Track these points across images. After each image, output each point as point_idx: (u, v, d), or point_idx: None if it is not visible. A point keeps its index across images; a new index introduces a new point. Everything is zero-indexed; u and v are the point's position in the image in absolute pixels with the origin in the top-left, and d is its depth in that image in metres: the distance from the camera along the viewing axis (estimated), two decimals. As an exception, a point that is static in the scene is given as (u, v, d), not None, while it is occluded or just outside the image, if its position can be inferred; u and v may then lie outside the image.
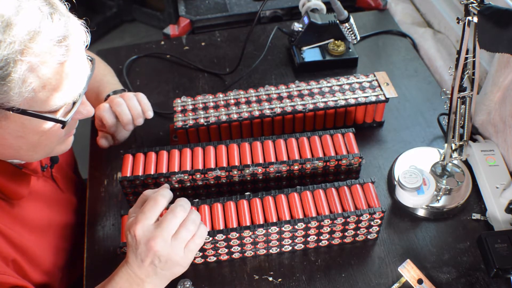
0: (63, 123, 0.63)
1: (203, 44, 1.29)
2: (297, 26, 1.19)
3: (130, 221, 0.68)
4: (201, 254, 0.80)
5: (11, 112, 0.57)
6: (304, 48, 1.19)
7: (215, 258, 0.82)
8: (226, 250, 0.80)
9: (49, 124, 0.62)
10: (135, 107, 0.89)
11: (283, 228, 0.77)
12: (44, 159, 0.82)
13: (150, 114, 0.91)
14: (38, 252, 0.79)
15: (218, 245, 0.78)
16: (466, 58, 0.73)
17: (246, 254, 0.83)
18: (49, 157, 0.84)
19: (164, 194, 0.69)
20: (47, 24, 0.57)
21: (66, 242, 0.89)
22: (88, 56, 0.66)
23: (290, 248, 0.83)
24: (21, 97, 0.56)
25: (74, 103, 0.64)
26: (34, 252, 0.78)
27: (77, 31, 0.61)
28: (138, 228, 0.66)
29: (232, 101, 0.98)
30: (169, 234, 0.66)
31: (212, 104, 0.97)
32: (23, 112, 0.58)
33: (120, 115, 0.88)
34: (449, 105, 0.79)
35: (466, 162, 0.95)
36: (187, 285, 0.78)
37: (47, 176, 0.85)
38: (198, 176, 0.85)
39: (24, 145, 0.64)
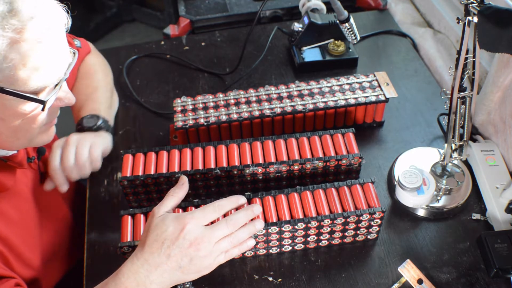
0: (43, 103, 0.63)
1: (203, 44, 1.29)
2: (297, 26, 1.19)
3: (181, 214, 0.68)
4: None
5: None
6: (304, 48, 1.19)
7: (215, 258, 0.82)
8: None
9: (30, 105, 0.62)
10: (82, 173, 0.88)
11: (283, 228, 0.77)
12: (30, 151, 0.82)
13: (97, 166, 0.90)
14: (24, 245, 0.78)
15: (218, 245, 0.78)
16: (466, 58, 0.73)
17: (246, 254, 0.83)
18: (36, 149, 0.85)
19: (225, 205, 0.71)
20: (27, 2, 0.58)
21: (57, 237, 0.89)
22: (71, 48, 0.68)
23: (290, 248, 0.83)
24: (1, 74, 0.57)
25: (55, 87, 0.65)
26: (19, 245, 0.77)
27: (57, 13, 0.63)
28: (192, 222, 0.67)
29: (232, 101, 0.98)
30: (215, 239, 0.67)
31: (212, 104, 0.97)
32: (3, 90, 0.58)
33: (66, 176, 0.87)
34: (449, 105, 0.79)
35: (466, 162, 0.95)
36: (187, 285, 0.78)
37: (35, 168, 0.85)
38: (198, 176, 0.85)
39: (5, 129, 0.64)
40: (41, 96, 0.62)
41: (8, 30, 0.56)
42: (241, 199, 0.75)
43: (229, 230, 0.69)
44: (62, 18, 0.64)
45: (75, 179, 0.88)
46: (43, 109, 0.64)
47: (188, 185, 0.74)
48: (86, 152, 0.88)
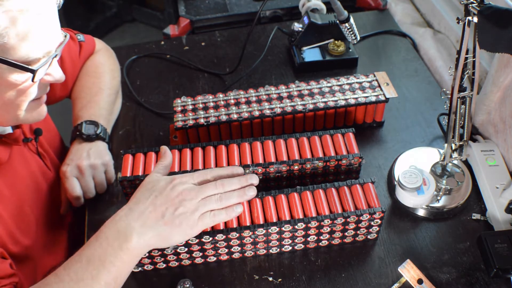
0: (33, 72, 0.64)
1: (203, 44, 1.29)
2: (297, 26, 1.19)
3: (174, 176, 0.70)
4: (201, 254, 0.80)
5: None
6: (304, 48, 1.19)
7: (215, 258, 0.82)
8: (226, 250, 0.80)
9: (21, 75, 0.64)
10: (100, 190, 0.93)
11: (283, 228, 0.77)
12: (27, 131, 0.83)
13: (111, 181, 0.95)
14: (15, 224, 0.78)
15: (218, 245, 0.78)
16: (466, 58, 0.73)
17: (246, 254, 0.83)
18: (33, 130, 0.86)
19: (218, 170, 0.73)
20: None
21: (53, 223, 0.89)
22: (63, 31, 0.70)
23: (290, 248, 0.83)
24: None
25: (45, 61, 0.66)
26: (10, 223, 0.77)
27: None
28: (186, 179, 0.70)
29: (232, 101, 0.98)
30: (202, 195, 0.68)
31: (212, 104, 0.97)
32: None
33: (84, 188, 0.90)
34: (449, 105, 0.79)
35: (466, 162, 0.95)
36: (187, 285, 0.78)
37: (33, 150, 0.86)
38: (198, 176, 0.85)
39: None
40: (31, 67, 0.64)
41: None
42: (238, 169, 0.74)
43: (217, 191, 0.69)
44: None
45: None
46: (33, 79, 0.65)
47: (171, 154, 0.77)
48: (103, 176, 0.93)
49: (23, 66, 0.63)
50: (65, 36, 0.70)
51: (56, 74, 0.71)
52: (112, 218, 0.67)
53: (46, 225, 0.88)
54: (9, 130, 0.78)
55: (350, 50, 1.18)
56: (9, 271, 0.71)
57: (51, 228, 0.89)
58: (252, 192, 0.71)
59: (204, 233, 0.76)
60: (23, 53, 0.62)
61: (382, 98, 0.98)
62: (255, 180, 0.73)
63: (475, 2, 0.65)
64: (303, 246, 0.83)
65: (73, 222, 0.98)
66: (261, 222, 0.77)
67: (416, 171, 0.86)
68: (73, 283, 0.62)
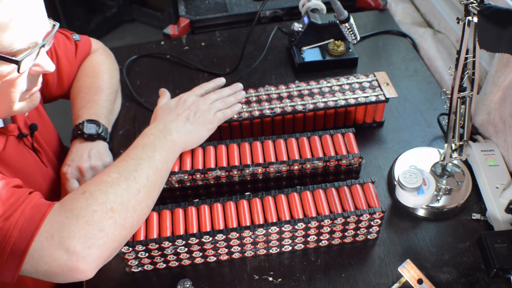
0: (17, 63, 0.64)
1: (203, 44, 1.29)
2: (297, 26, 1.19)
3: (179, 95, 0.88)
4: (201, 254, 0.80)
5: None
6: (304, 48, 1.19)
7: (215, 258, 0.82)
8: (226, 250, 0.80)
9: (5, 67, 0.64)
10: None
11: (283, 228, 0.77)
12: (22, 126, 0.83)
13: None
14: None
15: (218, 245, 0.78)
16: (466, 58, 0.73)
17: (246, 254, 0.83)
18: (28, 126, 0.86)
19: (207, 83, 0.92)
20: None
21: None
22: (51, 20, 0.70)
23: (290, 248, 0.83)
24: None
25: (31, 52, 0.66)
26: None
27: None
28: (190, 94, 0.88)
29: (232, 101, 0.97)
30: (209, 100, 0.87)
31: (212, 104, 0.97)
32: None
33: None
34: (449, 105, 0.80)
35: (466, 162, 0.95)
36: (187, 285, 0.78)
37: (29, 146, 0.86)
38: (198, 176, 0.85)
39: None
40: (15, 58, 0.64)
41: None
42: (221, 79, 0.94)
43: (219, 97, 0.89)
44: None
45: None
46: (18, 70, 0.65)
47: (168, 92, 0.93)
48: None
49: (5, 57, 0.62)
50: (53, 25, 0.70)
51: (45, 65, 0.70)
52: (149, 126, 0.83)
53: None
54: (0, 124, 0.78)
55: (350, 50, 1.18)
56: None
57: None
58: (242, 94, 0.93)
59: (204, 233, 0.76)
60: (6, 44, 0.61)
61: (382, 98, 0.98)
62: (240, 85, 0.94)
63: (475, 2, 0.65)
64: (303, 246, 0.83)
65: None
66: (261, 222, 0.77)
67: (416, 171, 0.86)
68: (135, 160, 0.74)
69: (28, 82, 0.70)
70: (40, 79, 0.74)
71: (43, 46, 0.67)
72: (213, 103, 0.87)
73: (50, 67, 0.72)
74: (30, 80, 0.71)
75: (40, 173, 0.88)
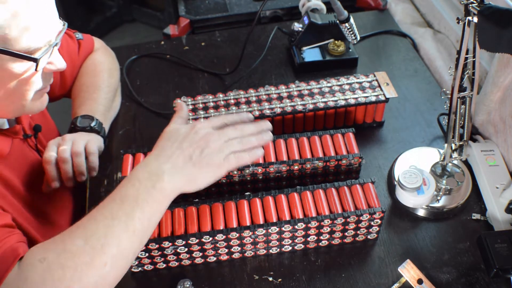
0: (36, 61, 0.66)
1: (203, 44, 1.29)
2: (297, 26, 1.19)
3: (193, 122, 0.73)
4: (201, 254, 0.80)
5: None
6: (304, 48, 1.19)
7: (215, 258, 0.82)
8: (226, 250, 0.80)
9: (23, 65, 0.65)
10: (79, 166, 0.86)
11: (283, 228, 0.77)
12: (27, 128, 0.83)
13: (93, 174, 0.89)
14: (18, 220, 0.78)
15: (218, 245, 0.78)
16: (466, 58, 0.73)
17: (246, 254, 0.83)
18: (32, 127, 0.86)
19: (232, 116, 0.75)
20: None
21: (51, 217, 0.89)
22: (61, 19, 0.71)
23: (290, 248, 0.83)
24: None
25: (46, 50, 0.67)
26: (15, 219, 0.76)
27: None
28: (205, 124, 0.72)
29: (232, 101, 0.98)
30: (225, 137, 0.71)
31: (212, 104, 0.97)
32: None
33: (62, 171, 0.85)
34: (449, 105, 0.79)
35: (466, 162, 0.95)
36: (187, 285, 0.78)
37: (32, 147, 0.86)
38: (198, 176, 0.84)
39: (0, 91, 0.67)
40: (34, 56, 0.65)
41: None
42: (248, 115, 0.78)
43: (237, 134, 0.72)
44: None
45: (70, 175, 0.86)
46: (36, 68, 0.66)
47: (186, 107, 0.78)
48: (81, 146, 0.88)
49: (25, 56, 0.64)
50: (63, 24, 0.71)
51: (58, 62, 0.72)
52: (141, 164, 0.68)
53: (44, 219, 0.87)
54: (6, 125, 0.78)
55: (350, 50, 1.18)
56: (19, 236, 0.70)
57: (48, 223, 0.89)
58: (268, 136, 0.74)
59: (204, 233, 0.76)
60: (25, 44, 0.64)
61: (382, 98, 0.98)
62: (269, 126, 0.76)
63: (475, 2, 0.65)
64: (303, 246, 0.83)
65: (73, 219, 0.97)
66: (261, 222, 0.77)
67: (416, 171, 0.86)
68: (107, 221, 0.62)
69: (42, 80, 0.71)
70: (52, 78, 0.76)
71: (56, 44, 0.69)
72: (229, 141, 0.71)
73: (63, 64, 0.73)
74: (44, 79, 0.72)
75: (42, 175, 0.88)
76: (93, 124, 0.93)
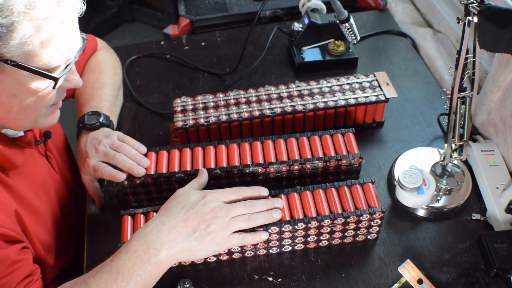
0: (56, 80, 0.66)
1: (203, 44, 1.29)
2: (297, 26, 1.18)
3: (205, 191, 0.73)
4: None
5: (7, 65, 0.61)
6: (304, 48, 1.19)
7: (215, 258, 0.82)
8: (226, 250, 0.80)
9: (43, 82, 0.65)
10: (132, 154, 0.86)
11: (283, 228, 0.77)
12: (37, 134, 0.84)
13: (143, 149, 0.88)
14: (32, 228, 0.78)
15: (218, 245, 0.78)
16: (466, 58, 0.73)
17: (246, 254, 0.83)
18: (42, 132, 0.86)
19: (245, 190, 0.75)
20: None
21: (58, 225, 0.89)
22: (82, 34, 0.71)
23: (290, 248, 0.83)
24: (19, 49, 0.60)
25: (66, 68, 0.68)
26: (28, 227, 0.77)
27: None
28: (217, 196, 0.72)
29: (232, 101, 0.98)
30: (232, 214, 0.71)
31: (212, 104, 0.97)
32: (19, 66, 0.61)
33: (121, 166, 0.85)
34: (449, 105, 0.79)
35: (466, 162, 0.95)
36: (187, 285, 0.78)
37: (42, 153, 0.86)
38: (198, 176, 0.85)
39: (16, 105, 0.67)
40: (53, 74, 0.66)
41: (30, 8, 0.59)
42: (263, 191, 0.77)
43: (246, 211, 0.72)
44: (78, 3, 0.68)
45: (130, 165, 0.85)
46: (54, 87, 0.67)
47: (207, 175, 0.80)
48: (116, 139, 0.88)
49: (46, 74, 0.64)
50: (83, 39, 0.71)
51: (74, 79, 0.72)
52: (142, 229, 0.69)
53: (53, 227, 0.87)
54: (21, 133, 0.78)
55: (350, 50, 1.18)
56: (34, 266, 0.74)
57: (57, 231, 0.89)
58: (278, 215, 0.75)
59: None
60: (46, 61, 0.63)
61: (382, 98, 0.98)
62: (280, 203, 0.76)
63: (475, 2, 0.65)
64: (303, 246, 0.83)
65: (75, 223, 0.97)
66: (261, 222, 0.77)
67: (416, 171, 0.86)
68: None
69: (56, 96, 0.71)
70: (65, 93, 0.76)
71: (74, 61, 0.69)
72: (235, 218, 0.71)
73: (79, 82, 0.73)
74: (58, 94, 0.72)
75: (51, 181, 0.88)
76: (101, 119, 0.92)
